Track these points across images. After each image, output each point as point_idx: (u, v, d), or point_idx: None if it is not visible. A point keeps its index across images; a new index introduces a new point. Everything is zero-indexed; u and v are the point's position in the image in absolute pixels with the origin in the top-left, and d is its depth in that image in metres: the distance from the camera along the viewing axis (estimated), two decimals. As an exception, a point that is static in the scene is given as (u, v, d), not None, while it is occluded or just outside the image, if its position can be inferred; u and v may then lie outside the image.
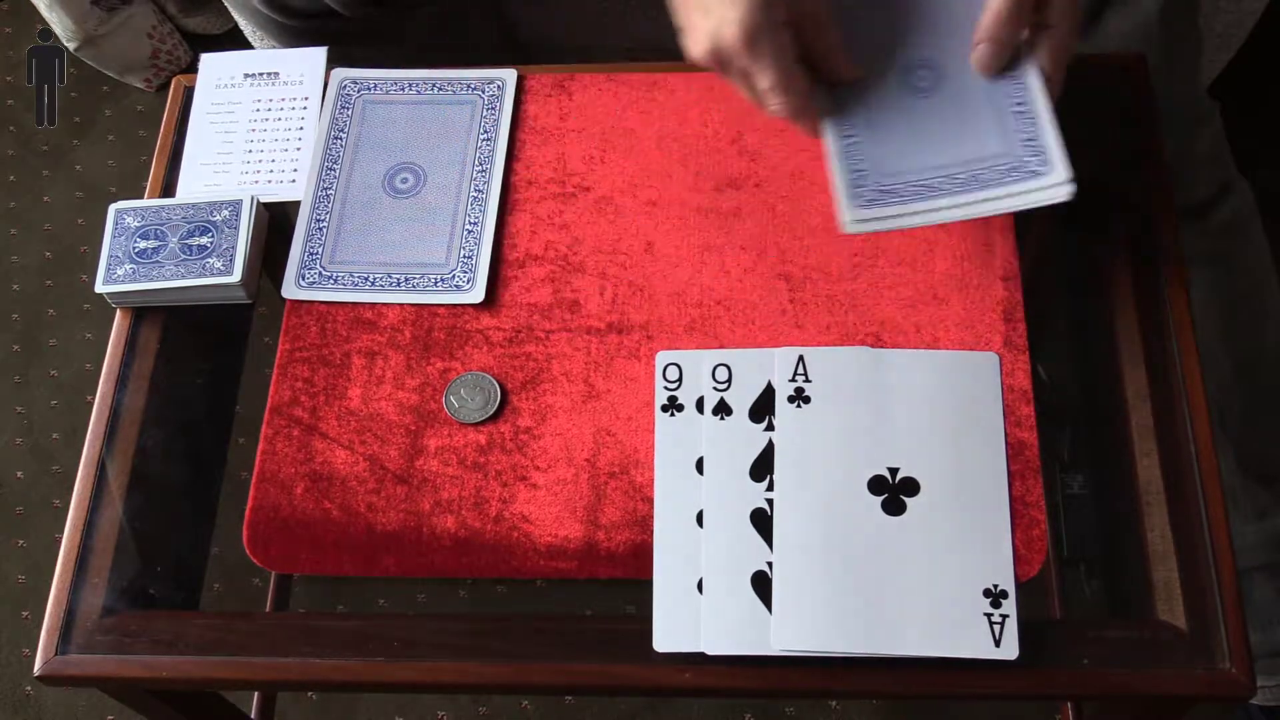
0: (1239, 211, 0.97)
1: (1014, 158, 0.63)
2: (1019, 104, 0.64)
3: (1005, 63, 0.65)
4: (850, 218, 0.63)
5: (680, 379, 0.66)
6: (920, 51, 0.67)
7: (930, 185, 0.64)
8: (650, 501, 0.64)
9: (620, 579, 0.63)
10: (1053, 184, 0.62)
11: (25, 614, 1.22)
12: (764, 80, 0.63)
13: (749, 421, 0.64)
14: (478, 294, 0.70)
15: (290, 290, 0.71)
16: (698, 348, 0.68)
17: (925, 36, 0.67)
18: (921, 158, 0.64)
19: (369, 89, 0.78)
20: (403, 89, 0.78)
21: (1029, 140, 0.63)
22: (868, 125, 0.65)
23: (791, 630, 0.59)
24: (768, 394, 0.65)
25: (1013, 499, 0.62)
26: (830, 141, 0.65)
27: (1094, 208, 0.71)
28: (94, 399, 0.70)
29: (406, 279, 0.71)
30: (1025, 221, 0.70)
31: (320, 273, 0.72)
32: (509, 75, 0.78)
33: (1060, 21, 0.64)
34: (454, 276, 0.71)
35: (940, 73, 0.66)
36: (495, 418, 0.67)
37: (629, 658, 0.60)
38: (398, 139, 0.76)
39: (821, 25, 0.65)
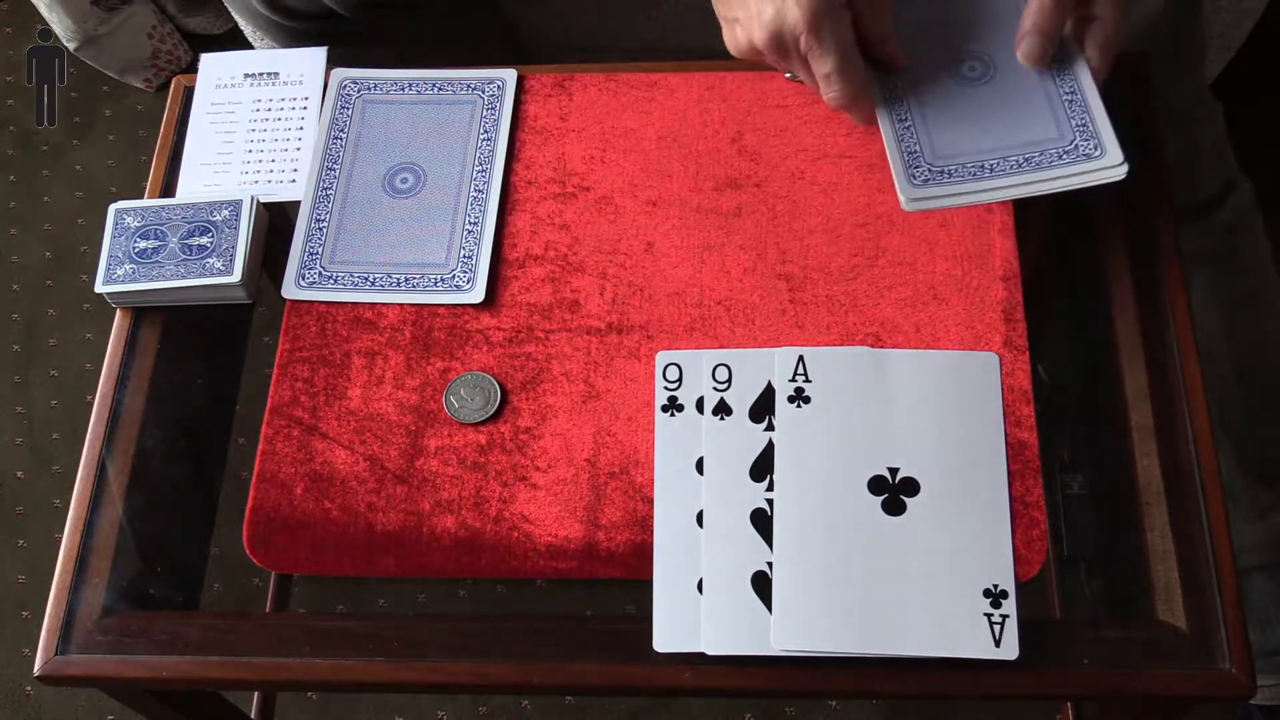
0: (1241, 211, 0.97)
1: (1068, 142, 0.66)
2: (1069, 92, 0.67)
3: (1051, 54, 0.67)
4: (907, 196, 0.66)
5: (680, 379, 0.66)
6: (969, 44, 0.70)
7: (985, 166, 0.66)
8: (650, 501, 0.64)
9: (620, 579, 0.63)
10: (1107, 166, 0.65)
11: (25, 614, 1.22)
12: (826, 64, 0.64)
13: (749, 421, 0.64)
14: (478, 294, 0.70)
15: (290, 290, 0.71)
16: (698, 348, 0.68)
17: (974, 29, 0.70)
18: (975, 141, 0.67)
19: (369, 89, 0.78)
20: (403, 89, 0.78)
21: (1081, 125, 0.66)
22: (920, 110, 0.68)
23: (791, 630, 0.59)
24: (768, 394, 0.65)
25: (1013, 499, 0.62)
26: (884, 125, 0.68)
27: (1094, 208, 0.71)
28: (94, 399, 0.70)
29: (406, 279, 0.71)
30: (1025, 221, 0.70)
31: (320, 273, 0.72)
32: (509, 75, 0.78)
33: (1107, 13, 0.65)
34: (454, 276, 0.71)
35: (990, 63, 0.69)
36: (495, 418, 0.67)
37: (629, 658, 0.60)
38: (398, 139, 0.76)
39: (878, 9, 0.66)
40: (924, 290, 0.68)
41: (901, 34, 0.70)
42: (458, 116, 0.77)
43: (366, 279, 0.71)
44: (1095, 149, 0.66)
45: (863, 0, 0.65)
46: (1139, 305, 0.68)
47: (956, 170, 0.66)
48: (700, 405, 0.65)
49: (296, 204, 0.75)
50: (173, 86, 0.81)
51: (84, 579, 0.65)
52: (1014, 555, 0.60)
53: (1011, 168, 0.66)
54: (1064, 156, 0.66)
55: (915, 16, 0.71)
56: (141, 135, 1.50)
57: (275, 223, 0.75)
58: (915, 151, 0.67)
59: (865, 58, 0.67)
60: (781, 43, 0.64)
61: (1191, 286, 0.69)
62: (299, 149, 0.77)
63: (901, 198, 0.66)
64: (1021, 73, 0.69)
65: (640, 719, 1.13)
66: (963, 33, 0.71)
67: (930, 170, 0.66)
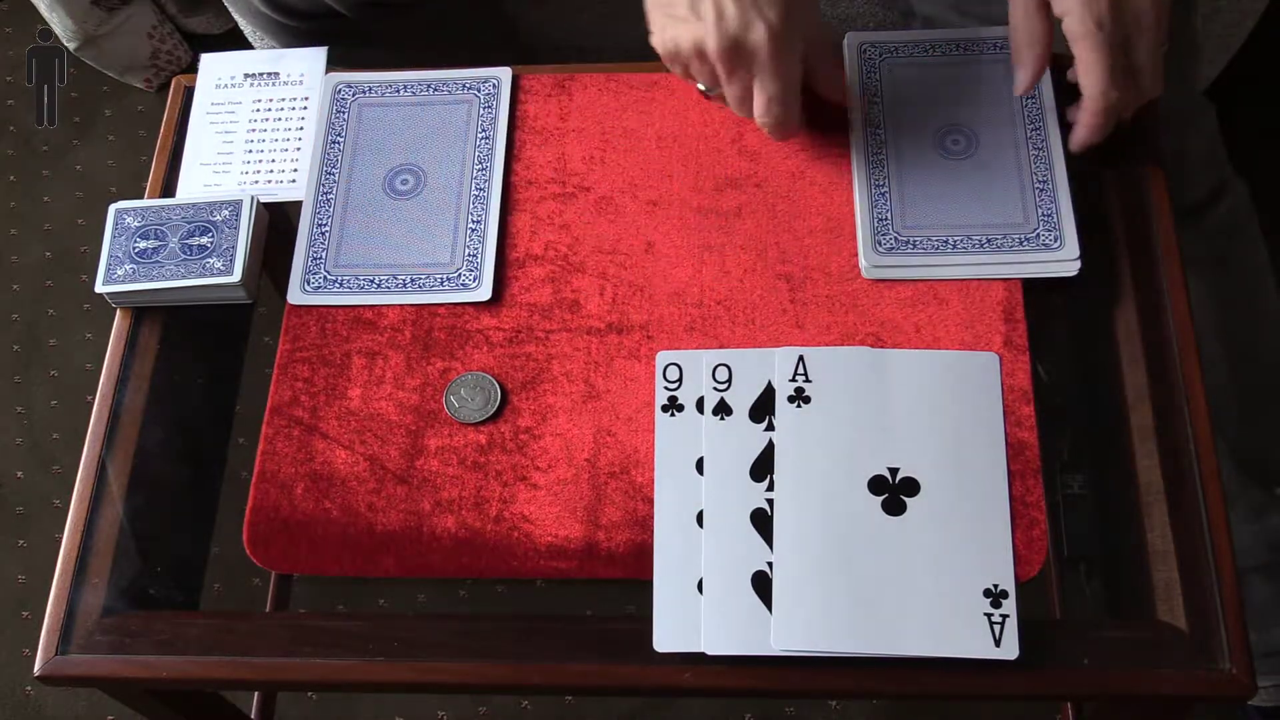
0: (1235, 212, 0.97)
1: (1030, 229, 0.68)
2: (1042, 180, 0.69)
3: (1023, 85, 0.68)
4: (869, 263, 0.68)
5: (680, 379, 0.66)
6: (955, 117, 0.72)
7: (948, 241, 0.68)
8: (650, 501, 0.64)
9: (620, 579, 0.63)
10: (1062, 259, 0.68)
11: (25, 614, 1.22)
12: (773, 88, 0.65)
13: (749, 421, 0.64)
14: (484, 292, 0.70)
15: (296, 296, 0.71)
16: (698, 348, 0.68)
17: (961, 103, 0.73)
18: (944, 215, 0.69)
19: (364, 92, 0.78)
20: (398, 91, 0.78)
21: (1046, 215, 0.69)
22: (898, 178, 0.70)
23: (791, 630, 0.59)
24: (768, 394, 0.65)
25: (1013, 499, 0.62)
26: (859, 189, 0.70)
27: (1094, 207, 0.71)
28: (94, 399, 0.70)
29: (412, 279, 0.71)
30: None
31: (325, 277, 0.72)
32: (504, 73, 0.78)
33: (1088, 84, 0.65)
34: (459, 275, 0.71)
35: (972, 138, 0.71)
36: (495, 418, 0.67)
37: (629, 658, 0.60)
38: (396, 141, 0.76)
39: (824, 58, 0.68)
40: (924, 290, 0.68)
41: (892, 99, 0.72)
42: (455, 116, 0.77)
43: (372, 281, 0.71)
44: (1055, 240, 0.68)
45: (813, 39, 0.66)
46: (1139, 305, 0.68)
47: (921, 242, 0.68)
48: (700, 405, 0.65)
49: (297, 204, 0.75)
50: (173, 86, 0.81)
51: (84, 579, 0.65)
52: (1014, 555, 0.60)
53: (973, 246, 0.68)
54: (1024, 243, 0.68)
55: (907, 83, 0.73)
56: (141, 135, 1.50)
57: (275, 223, 0.75)
58: (885, 219, 0.69)
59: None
60: (737, 53, 0.63)
61: (1188, 287, 0.69)
62: (299, 149, 0.77)
63: (863, 263, 0.69)
64: (1000, 152, 0.71)
65: (640, 719, 1.13)
66: (950, 104, 0.73)
67: (896, 240, 0.68)
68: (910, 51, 0.75)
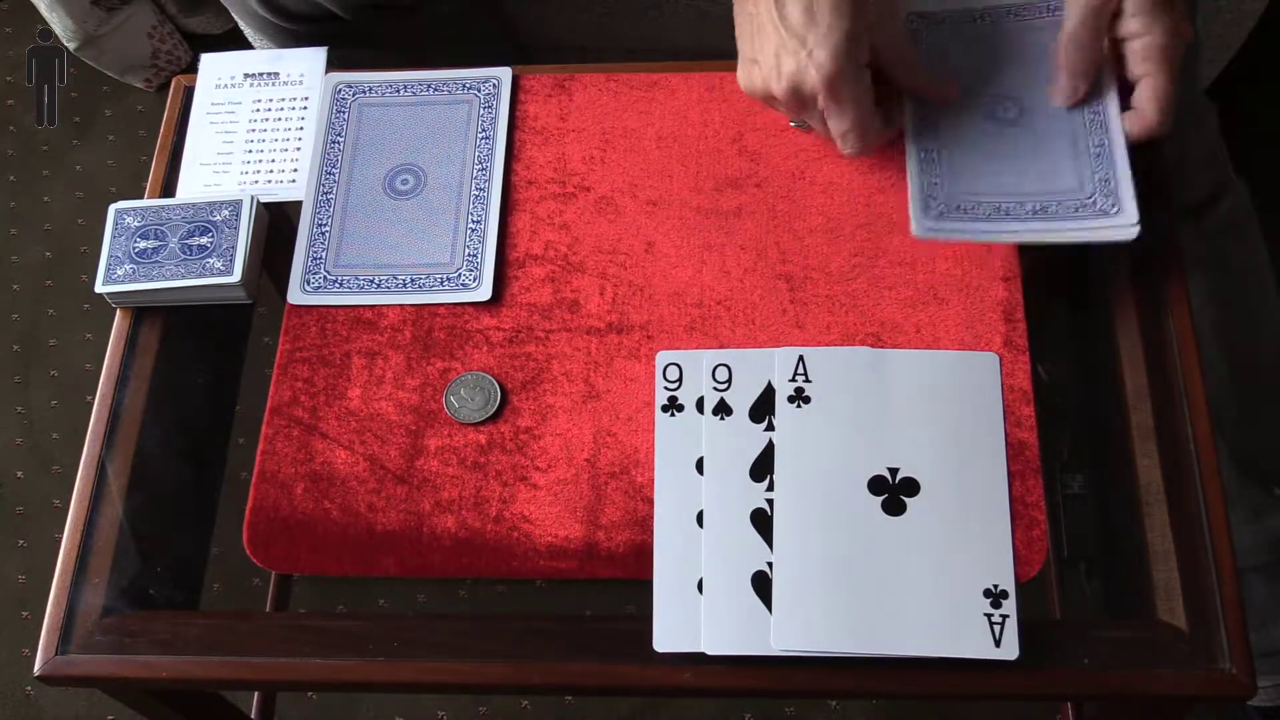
0: (1235, 213, 0.97)
1: (1086, 195, 0.66)
2: (1098, 145, 0.67)
3: (1080, 94, 0.68)
4: (920, 225, 0.67)
5: (680, 379, 0.66)
6: (1006, 84, 0.70)
7: (1000, 208, 0.67)
8: (650, 501, 0.64)
9: (620, 579, 0.63)
10: (1120, 224, 0.65)
11: (25, 614, 1.22)
12: (843, 123, 0.66)
13: (749, 421, 0.64)
14: (484, 292, 0.70)
15: (296, 296, 0.71)
16: (698, 348, 0.68)
17: (1011, 70, 0.70)
18: (996, 181, 0.68)
19: (364, 92, 0.78)
20: (398, 91, 0.78)
21: (1104, 180, 0.66)
22: (949, 145, 0.69)
23: (791, 630, 0.59)
24: (768, 394, 0.65)
25: (1013, 499, 0.62)
26: (910, 153, 0.69)
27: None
28: (94, 399, 0.70)
29: (412, 279, 0.71)
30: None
31: (325, 277, 0.72)
32: (504, 73, 0.78)
33: (1153, 70, 0.65)
34: (459, 275, 0.71)
35: (1024, 106, 0.69)
36: (495, 418, 0.67)
37: (629, 658, 0.60)
38: (395, 141, 0.76)
39: (909, 67, 0.68)
40: (924, 290, 0.68)
41: (945, 68, 0.70)
42: (455, 116, 0.77)
43: (372, 281, 0.71)
44: (1112, 206, 0.66)
45: (889, 55, 0.66)
46: (1139, 305, 0.68)
47: (972, 208, 0.67)
48: (700, 405, 0.65)
49: (297, 204, 0.75)
50: (173, 86, 0.81)
51: (84, 579, 0.65)
52: (1014, 555, 0.60)
53: (1026, 213, 0.66)
54: (1080, 210, 0.66)
55: (959, 51, 0.72)
56: (141, 135, 1.50)
57: (276, 223, 0.75)
58: (935, 183, 0.68)
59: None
60: (799, 97, 0.65)
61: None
62: (299, 149, 0.77)
63: (914, 225, 0.67)
64: (1053, 118, 0.69)
65: (640, 719, 1.13)
66: (1001, 72, 0.71)
67: (946, 205, 0.67)
68: (958, 22, 0.73)
